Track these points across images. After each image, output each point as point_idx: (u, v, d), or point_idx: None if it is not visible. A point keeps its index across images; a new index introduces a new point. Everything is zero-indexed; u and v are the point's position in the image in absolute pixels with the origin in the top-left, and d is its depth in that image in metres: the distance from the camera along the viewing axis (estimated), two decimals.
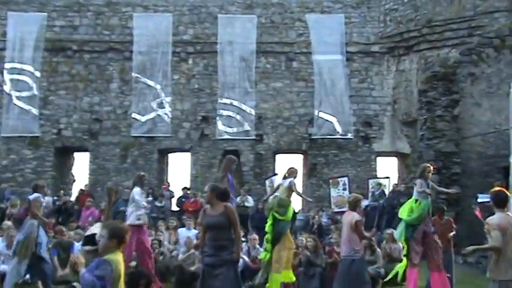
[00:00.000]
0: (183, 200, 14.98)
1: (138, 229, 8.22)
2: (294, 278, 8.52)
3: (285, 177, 8.78)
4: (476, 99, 13.83)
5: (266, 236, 8.49)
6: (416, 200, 7.81)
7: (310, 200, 11.51)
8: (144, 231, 8.44)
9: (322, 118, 16.97)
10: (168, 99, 17.08)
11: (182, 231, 11.02)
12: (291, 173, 8.82)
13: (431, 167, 8.14)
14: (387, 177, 16.04)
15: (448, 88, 14.40)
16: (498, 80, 13.54)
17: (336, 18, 17.47)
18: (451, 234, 8.78)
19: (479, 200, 10.63)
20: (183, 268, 9.51)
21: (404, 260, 8.12)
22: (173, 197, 15.55)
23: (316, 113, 16.99)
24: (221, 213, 5.61)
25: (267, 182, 15.83)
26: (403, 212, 7.99)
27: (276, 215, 8.26)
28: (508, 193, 5.44)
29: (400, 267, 8.27)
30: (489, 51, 13.73)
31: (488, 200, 6.21)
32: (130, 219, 8.20)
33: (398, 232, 8.11)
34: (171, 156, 18.42)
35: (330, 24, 17.25)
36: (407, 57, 17.20)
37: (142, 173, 8.91)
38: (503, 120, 12.64)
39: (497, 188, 5.70)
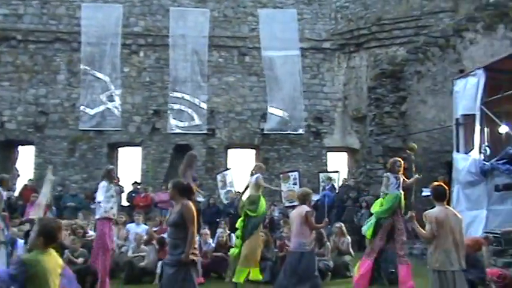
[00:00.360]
0: (134, 195, 14.74)
1: (105, 222, 8.02)
2: (260, 277, 8.57)
3: (252, 174, 8.83)
4: (422, 96, 14.28)
5: (236, 233, 8.53)
6: (386, 194, 7.74)
7: (281, 189, 11.63)
8: (110, 226, 8.22)
9: (274, 114, 17.10)
10: (118, 92, 16.73)
11: (131, 227, 10.84)
12: (258, 168, 8.90)
13: (402, 162, 7.90)
14: (337, 171, 16.35)
15: (396, 85, 14.76)
16: (442, 78, 14.03)
17: (288, 13, 17.60)
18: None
19: (423, 194, 10.99)
20: (133, 264, 9.38)
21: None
22: (123, 192, 15.26)
23: (268, 108, 17.11)
24: (178, 210, 5.43)
25: (219, 177, 15.81)
26: (375, 206, 7.94)
27: (248, 212, 8.31)
28: (446, 188, 5.67)
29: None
30: (434, 50, 14.19)
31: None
32: (98, 213, 8.01)
33: (366, 227, 7.95)
34: (121, 151, 18.05)
35: (282, 20, 17.36)
36: (358, 54, 17.57)
37: (110, 167, 8.70)
38: (447, 117, 13.12)
39: (437, 183, 5.96)
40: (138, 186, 15.27)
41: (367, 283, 7.72)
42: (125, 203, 15.11)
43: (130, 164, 17.93)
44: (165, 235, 10.04)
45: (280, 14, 17.59)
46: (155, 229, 10.47)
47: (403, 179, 7.80)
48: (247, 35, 17.83)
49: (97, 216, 8.04)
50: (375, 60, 16.60)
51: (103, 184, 8.13)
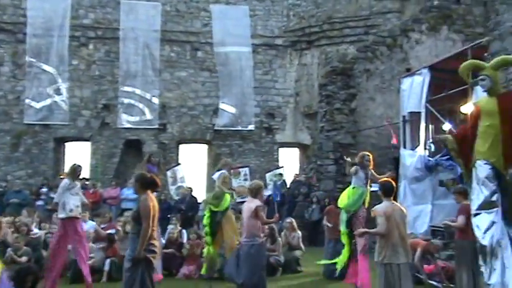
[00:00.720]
0: (82, 190, 14.33)
1: (72, 221, 7.75)
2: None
3: (218, 170, 8.76)
4: (371, 93, 14.64)
5: (205, 230, 8.35)
6: (354, 187, 7.65)
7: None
8: (75, 226, 7.89)
9: (225, 110, 17.11)
10: (65, 85, 16.24)
11: None
12: (223, 165, 8.82)
13: (370, 156, 7.73)
14: (281, 167, 16.55)
15: (346, 83, 15.06)
16: (390, 77, 14.43)
17: (240, 9, 17.62)
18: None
19: (371, 189, 11.26)
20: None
21: (344, 252, 7.90)
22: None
23: (219, 104, 17.10)
24: (137, 204, 5.36)
25: (169, 173, 15.65)
26: (341, 201, 7.76)
27: (211, 206, 8.21)
28: (393, 183, 5.86)
29: (339, 262, 8.00)
30: (382, 49, 14.57)
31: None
32: (61, 212, 7.70)
33: (342, 224, 7.77)
34: (69, 146, 17.55)
35: (234, 16, 17.36)
36: (309, 51, 17.81)
37: (76, 164, 8.38)
38: (394, 114, 13.50)
39: (384, 179, 6.14)
40: (87, 182, 14.89)
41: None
42: None
43: (78, 159, 17.43)
44: (113, 231, 9.89)
45: (232, 10, 17.59)
46: (103, 226, 10.24)
47: (373, 174, 7.63)
48: (200, 30, 17.71)
49: (61, 216, 7.69)
50: (326, 58, 16.88)
51: (65, 182, 7.84)
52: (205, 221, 8.30)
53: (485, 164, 5.33)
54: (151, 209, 5.25)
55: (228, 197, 8.39)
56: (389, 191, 5.65)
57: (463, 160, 5.75)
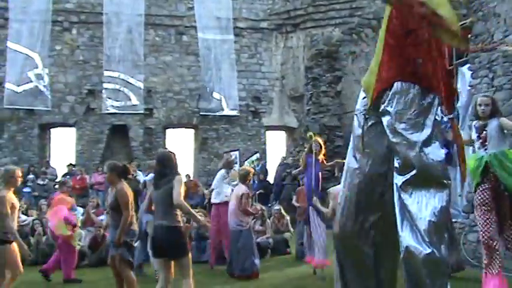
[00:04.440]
0: (68, 177, 14.29)
1: (225, 206, 8.05)
2: None
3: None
4: (357, 76, 14.69)
5: None
6: None
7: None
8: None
9: (210, 94, 17.07)
10: (47, 70, 16.03)
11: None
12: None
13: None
14: (256, 152, 16.55)
15: (332, 65, 15.11)
16: None
17: None
18: None
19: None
20: None
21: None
22: (56, 175, 14.73)
23: (204, 89, 17.05)
24: (114, 194, 5.44)
25: None
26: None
27: None
28: None
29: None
30: (368, 31, 14.61)
31: None
32: (216, 197, 8.41)
33: None
34: (54, 132, 17.40)
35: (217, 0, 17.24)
36: (295, 34, 17.78)
37: (231, 157, 9.63)
38: None
39: (341, 161, 6.15)
40: (73, 168, 14.84)
41: None
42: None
43: (64, 146, 17.35)
44: (103, 217, 9.90)
45: None
46: (93, 211, 10.24)
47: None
48: (185, 14, 17.55)
49: (216, 201, 8.37)
50: (312, 41, 16.87)
51: (222, 173, 8.49)
52: None
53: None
54: (129, 195, 5.39)
55: None
56: None
57: None
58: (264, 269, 7.65)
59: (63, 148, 17.30)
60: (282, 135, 19.01)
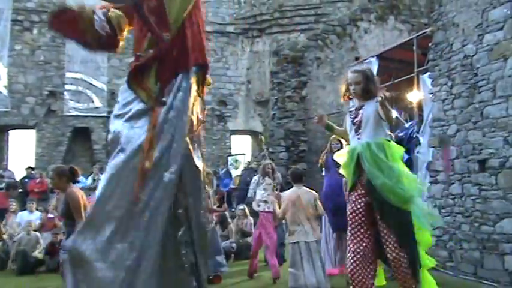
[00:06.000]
0: (27, 180, 13.89)
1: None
2: None
3: None
4: (321, 82, 14.85)
5: None
6: None
7: None
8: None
9: None
10: (5, 70, 15.56)
11: (23, 215, 10.18)
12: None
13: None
14: (243, 154, 16.66)
15: (297, 71, 15.20)
16: (340, 65, 14.69)
17: None
18: None
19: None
20: (26, 253, 8.86)
21: None
22: (14, 179, 14.28)
23: None
24: (64, 199, 5.12)
25: None
26: None
27: None
28: (302, 170, 6.46)
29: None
30: (332, 38, 14.78)
31: None
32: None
33: None
34: (13, 134, 16.90)
35: None
36: (261, 39, 17.86)
37: (269, 163, 8.35)
38: (344, 102, 13.79)
39: (294, 166, 6.84)
40: (32, 171, 14.42)
41: None
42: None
43: (22, 148, 16.86)
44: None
45: None
46: (51, 216, 9.97)
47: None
48: None
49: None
50: (277, 46, 16.97)
51: (254, 178, 8.43)
52: None
53: None
54: (80, 200, 5.07)
55: None
56: (299, 178, 6.00)
57: None
58: (228, 275, 7.61)
59: (22, 151, 16.83)
60: (247, 139, 19.03)
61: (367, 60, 11.61)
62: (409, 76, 9.77)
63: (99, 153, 16.37)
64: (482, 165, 6.66)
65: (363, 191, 3.95)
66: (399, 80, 10.45)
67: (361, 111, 4.12)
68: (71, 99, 16.06)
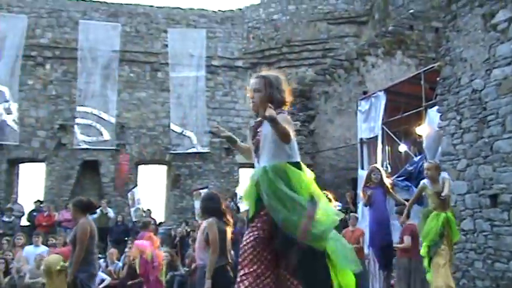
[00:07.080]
0: (35, 214, 13.88)
1: None
2: None
3: None
4: (329, 115, 14.89)
5: None
6: None
7: None
8: None
9: (178, 132, 16.99)
10: (17, 104, 15.78)
11: (29, 249, 10.11)
12: None
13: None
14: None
15: (305, 105, 15.27)
16: (348, 99, 14.74)
17: (197, 32, 17.67)
18: None
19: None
20: None
21: None
22: (23, 212, 14.25)
23: (173, 127, 16.96)
24: (75, 228, 5.44)
25: (129, 195, 15.41)
26: None
27: None
28: None
29: None
30: (340, 72, 14.90)
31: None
32: None
33: None
34: (23, 167, 17.00)
35: (191, 38, 17.44)
36: None
37: None
38: (352, 135, 13.77)
39: None
40: (41, 205, 14.43)
41: None
42: (25, 222, 14.16)
43: (33, 181, 16.94)
44: None
45: (189, 32, 17.63)
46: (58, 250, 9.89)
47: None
48: (160, 51, 17.66)
49: None
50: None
51: None
52: None
53: None
54: (88, 233, 5.34)
55: None
56: None
57: None
58: None
59: (32, 184, 16.91)
60: None
61: (375, 95, 11.66)
62: (417, 110, 9.78)
63: (107, 187, 16.39)
64: (494, 201, 6.58)
65: (258, 224, 3.13)
66: (407, 113, 10.46)
67: (260, 129, 3.30)
68: (81, 133, 16.19)
